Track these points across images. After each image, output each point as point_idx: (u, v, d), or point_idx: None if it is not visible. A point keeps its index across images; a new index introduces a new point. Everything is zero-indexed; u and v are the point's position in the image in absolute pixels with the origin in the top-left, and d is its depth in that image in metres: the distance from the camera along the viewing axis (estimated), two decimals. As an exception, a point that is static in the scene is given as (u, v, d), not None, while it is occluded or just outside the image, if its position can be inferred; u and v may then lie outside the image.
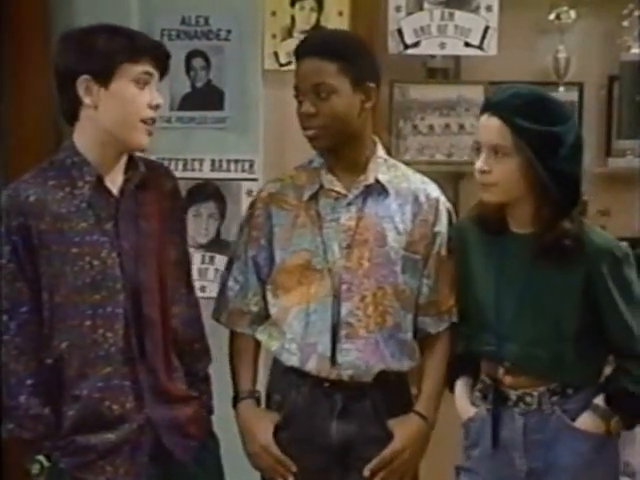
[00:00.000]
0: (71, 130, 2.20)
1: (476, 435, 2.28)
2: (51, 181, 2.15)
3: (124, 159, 2.21)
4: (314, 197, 2.35)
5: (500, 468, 2.25)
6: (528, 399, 2.21)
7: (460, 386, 2.33)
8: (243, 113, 3.04)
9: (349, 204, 2.33)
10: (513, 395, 2.22)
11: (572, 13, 3.29)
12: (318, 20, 3.05)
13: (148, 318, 2.17)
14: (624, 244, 2.26)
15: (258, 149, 3.04)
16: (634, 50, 3.26)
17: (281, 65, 3.04)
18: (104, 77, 2.11)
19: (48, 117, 2.89)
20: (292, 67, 2.99)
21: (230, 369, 2.44)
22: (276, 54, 3.05)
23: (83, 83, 2.11)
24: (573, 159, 2.16)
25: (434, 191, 2.39)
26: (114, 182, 2.19)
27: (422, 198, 2.36)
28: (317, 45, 2.33)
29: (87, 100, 2.12)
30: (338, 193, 2.34)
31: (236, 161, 3.04)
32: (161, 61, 2.19)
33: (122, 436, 2.14)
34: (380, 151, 2.39)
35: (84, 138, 2.17)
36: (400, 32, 3.10)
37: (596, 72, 3.38)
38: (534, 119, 2.10)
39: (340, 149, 2.32)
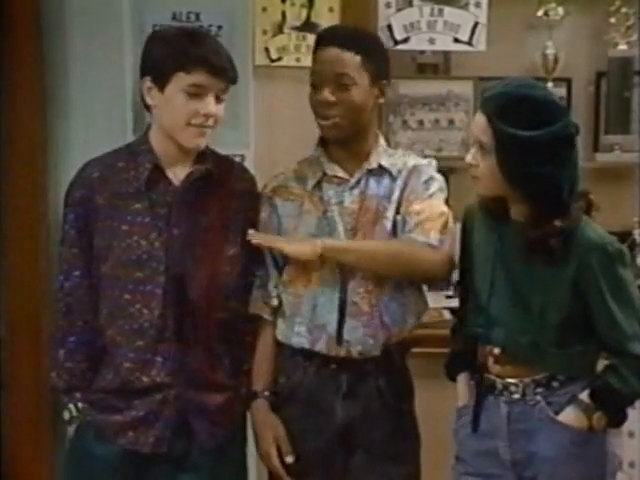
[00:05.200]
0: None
1: (466, 423, 2.30)
2: (120, 162, 2.33)
3: (193, 153, 2.33)
4: (317, 185, 2.39)
5: (487, 457, 2.27)
6: (512, 388, 2.23)
7: (462, 377, 2.35)
8: (234, 109, 3.02)
9: (352, 188, 2.37)
10: (499, 384, 2.25)
11: (560, 10, 3.30)
12: (309, 16, 3.06)
13: (191, 303, 2.28)
14: (621, 244, 2.23)
15: (249, 144, 3.05)
16: (621, 46, 3.28)
17: (272, 61, 3.06)
18: (161, 82, 2.26)
19: (39, 114, 2.90)
20: (282, 63, 3.07)
21: None
22: (267, 50, 3.06)
23: (145, 85, 2.30)
24: (551, 163, 2.11)
25: (424, 160, 2.43)
26: (179, 174, 2.32)
27: (410, 166, 2.39)
28: (343, 36, 2.36)
29: (148, 99, 2.29)
30: (341, 179, 2.38)
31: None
32: (214, 71, 2.26)
33: (148, 406, 2.27)
34: (382, 142, 2.44)
35: (153, 129, 2.35)
36: (390, 28, 3.11)
37: (584, 68, 3.39)
38: (509, 121, 2.09)
39: (348, 141, 2.36)
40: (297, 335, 2.37)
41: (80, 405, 2.32)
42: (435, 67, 3.33)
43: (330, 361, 2.35)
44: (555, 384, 2.22)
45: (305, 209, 2.38)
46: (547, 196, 2.15)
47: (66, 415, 2.34)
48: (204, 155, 2.35)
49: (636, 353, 2.16)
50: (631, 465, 3.17)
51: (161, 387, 2.27)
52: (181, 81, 2.25)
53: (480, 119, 2.15)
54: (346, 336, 2.33)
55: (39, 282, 2.40)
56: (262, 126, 3.04)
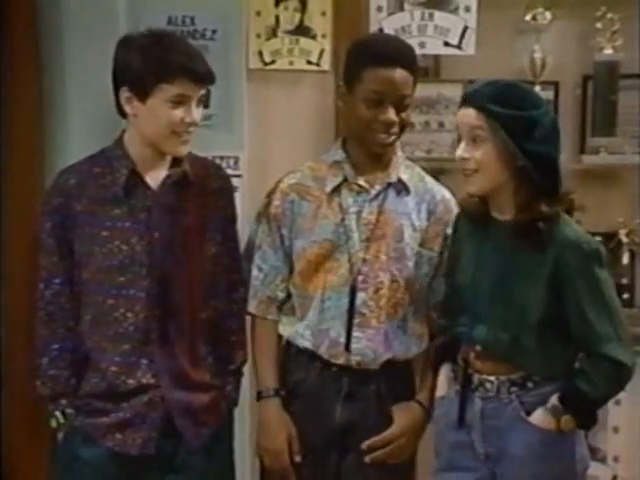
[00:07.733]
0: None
1: (444, 414, 2.34)
2: (96, 168, 2.32)
3: (168, 157, 2.33)
4: (336, 189, 2.40)
5: (463, 449, 2.30)
6: (488, 385, 2.26)
7: (443, 368, 2.39)
8: (228, 111, 3.06)
9: (371, 200, 2.39)
10: (476, 379, 2.28)
11: (548, 14, 3.33)
12: (302, 20, 3.08)
13: (174, 305, 2.29)
14: (599, 244, 2.26)
15: (243, 146, 3.07)
16: (607, 51, 3.31)
17: (265, 64, 3.08)
18: (142, 93, 2.24)
19: (37, 116, 2.92)
20: (276, 66, 3.08)
21: (253, 359, 2.48)
22: (260, 53, 3.08)
23: (123, 95, 2.28)
24: (549, 142, 2.18)
25: (447, 193, 2.47)
26: (156, 177, 2.32)
27: (438, 197, 2.44)
28: (405, 55, 2.38)
29: (127, 109, 2.27)
30: (361, 187, 2.40)
31: (221, 158, 3.05)
32: (198, 79, 2.28)
33: (134, 408, 2.27)
34: (399, 150, 2.46)
35: (129, 135, 2.33)
36: (381, 32, 3.15)
37: (571, 72, 3.43)
38: (506, 104, 2.15)
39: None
40: (301, 337, 2.40)
41: (66, 411, 2.33)
42: (425, 70, 3.36)
43: (332, 365, 2.38)
44: (530, 384, 2.24)
45: (322, 213, 2.39)
46: (546, 175, 2.18)
47: (53, 423, 2.35)
48: (180, 157, 2.36)
49: (606, 354, 2.17)
50: (615, 459, 3.22)
51: (147, 389, 2.29)
52: (165, 92, 2.24)
53: (468, 112, 2.19)
54: (350, 344, 2.36)
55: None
56: (256, 129, 3.06)
